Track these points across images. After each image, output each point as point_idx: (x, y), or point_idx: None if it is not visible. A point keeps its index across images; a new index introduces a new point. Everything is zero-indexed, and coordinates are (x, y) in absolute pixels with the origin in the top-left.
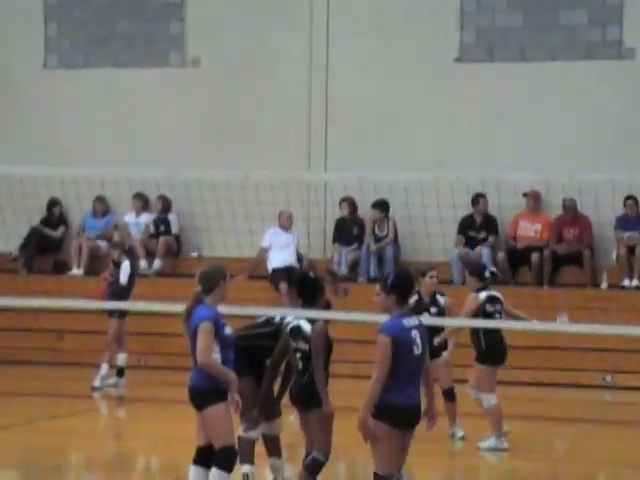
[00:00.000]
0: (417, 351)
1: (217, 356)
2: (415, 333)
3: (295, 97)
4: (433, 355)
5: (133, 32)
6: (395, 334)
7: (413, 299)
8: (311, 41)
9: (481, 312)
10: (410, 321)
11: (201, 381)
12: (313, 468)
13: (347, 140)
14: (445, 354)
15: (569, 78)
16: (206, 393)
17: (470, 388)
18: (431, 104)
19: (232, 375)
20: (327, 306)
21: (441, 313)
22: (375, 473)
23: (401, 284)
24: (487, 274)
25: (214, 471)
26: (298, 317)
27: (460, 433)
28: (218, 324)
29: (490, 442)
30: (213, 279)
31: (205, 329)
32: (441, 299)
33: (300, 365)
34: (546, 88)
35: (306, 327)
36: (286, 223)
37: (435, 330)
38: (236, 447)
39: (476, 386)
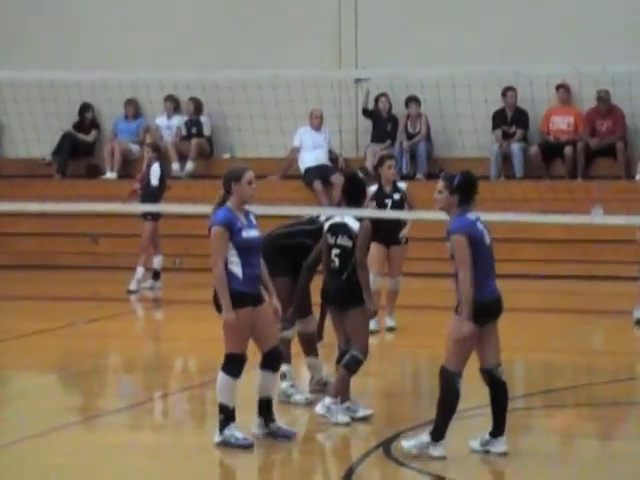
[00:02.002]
0: (488, 241)
1: (235, 259)
2: (480, 225)
3: None
4: None
5: None
6: (467, 231)
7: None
8: None
9: None
10: (472, 215)
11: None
12: (352, 366)
13: (378, 36)
14: None
15: None
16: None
17: None
18: None
19: (226, 299)
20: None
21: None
22: (444, 368)
23: (466, 185)
24: None
25: (220, 374)
26: (342, 215)
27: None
28: (233, 227)
29: None
30: (226, 181)
31: (214, 234)
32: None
33: (337, 263)
34: None
35: (352, 224)
36: (317, 123)
37: None
38: (245, 354)
39: None
